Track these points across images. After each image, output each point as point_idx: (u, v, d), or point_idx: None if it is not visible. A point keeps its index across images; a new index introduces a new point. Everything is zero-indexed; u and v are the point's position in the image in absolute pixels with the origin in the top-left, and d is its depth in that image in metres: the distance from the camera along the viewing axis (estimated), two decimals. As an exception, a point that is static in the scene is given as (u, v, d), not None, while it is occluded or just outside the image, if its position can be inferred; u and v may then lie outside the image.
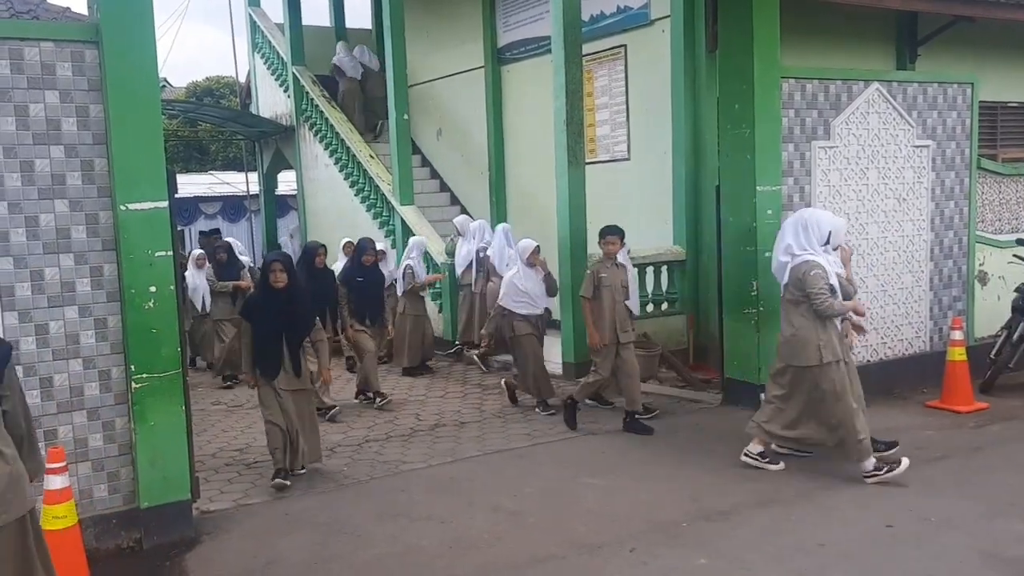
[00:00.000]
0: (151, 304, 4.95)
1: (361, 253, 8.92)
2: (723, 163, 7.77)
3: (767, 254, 7.40)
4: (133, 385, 4.95)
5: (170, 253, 5.03)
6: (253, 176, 17.92)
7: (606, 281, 7.06)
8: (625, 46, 10.58)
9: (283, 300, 6.18)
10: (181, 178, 21.00)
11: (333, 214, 14.00)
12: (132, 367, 4.95)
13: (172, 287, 5.04)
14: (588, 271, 7.32)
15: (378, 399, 8.39)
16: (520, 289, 7.89)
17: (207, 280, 10.11)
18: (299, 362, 6.21)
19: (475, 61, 13.09)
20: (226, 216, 21.61)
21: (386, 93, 14.50)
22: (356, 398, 8.67)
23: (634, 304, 7.52)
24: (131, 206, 4.90)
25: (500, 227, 10.34)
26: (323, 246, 8.57)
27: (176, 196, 5.44)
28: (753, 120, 7.29)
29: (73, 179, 4.88)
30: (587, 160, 9.54)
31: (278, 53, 15.27)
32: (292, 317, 6.20)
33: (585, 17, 10.04)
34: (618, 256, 7.21)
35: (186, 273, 9.89)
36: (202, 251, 10.63)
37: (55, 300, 4.87)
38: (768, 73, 7.33)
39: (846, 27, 10.18)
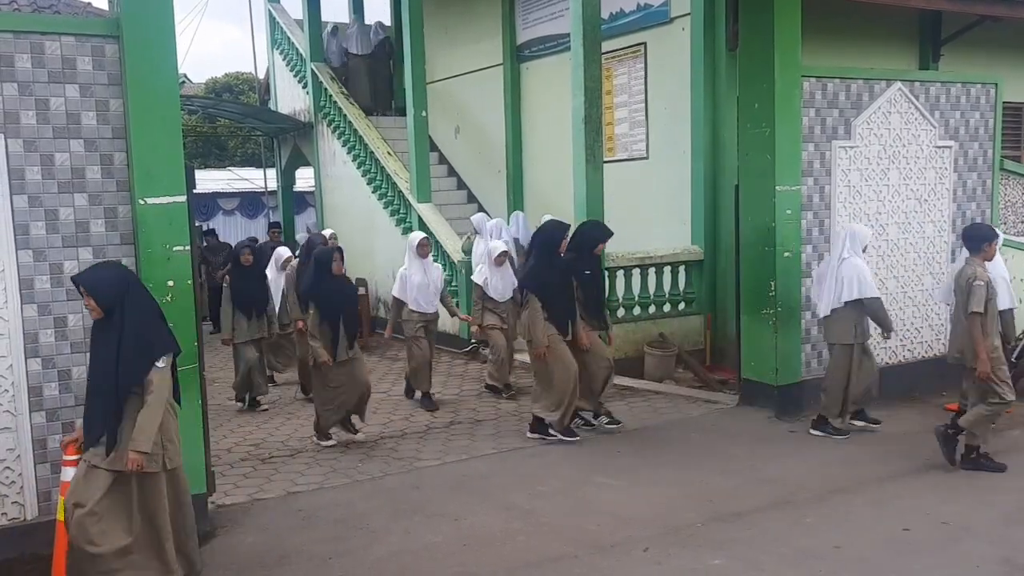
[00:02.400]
0: (168, 298, 4.96)
1: (553, 242, 6.33)
2: (742, 162, 7.73)
3: (786, 254, 7.37)
4: (150, 379, 4.97)
5: (188, 248, 5.05)
6: (271, 172, 18.01)
7: (991, 292, 5.94)
8: (645, 44, 10.54)
9: (106, 335, 4.19)
10: (200, 174, 21.15)
11: (351, 210, 14.02)
12: (149, 361, 4.97)
13: (190, 281, 5.07)
14: (978, 282, 5.84)
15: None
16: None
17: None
18: (113, 431, 4.11)
19: (494, 58, 13.08)
20: (244, 212, 21.75)
21: (390, 72, 14.57)
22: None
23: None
24: (149, 200, 4.93)
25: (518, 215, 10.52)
26: (568, 225, 6.67)
27: (194, 191, 5.46)
28: (773, 119, 7.25)
29: (92, 173, 4.92)
30: (605, 159, 9.49)
31: (297, 49, 15.31)
32: (109, 363, 4.13)
33: (605, 15, 9.99)
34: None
35: (267, 270, 8.85)
36: (288, 251, 9.27)
37: (73, 293, 4.88)
38: (789, 72, 7.27)
39: (869, 26, 10.10)
